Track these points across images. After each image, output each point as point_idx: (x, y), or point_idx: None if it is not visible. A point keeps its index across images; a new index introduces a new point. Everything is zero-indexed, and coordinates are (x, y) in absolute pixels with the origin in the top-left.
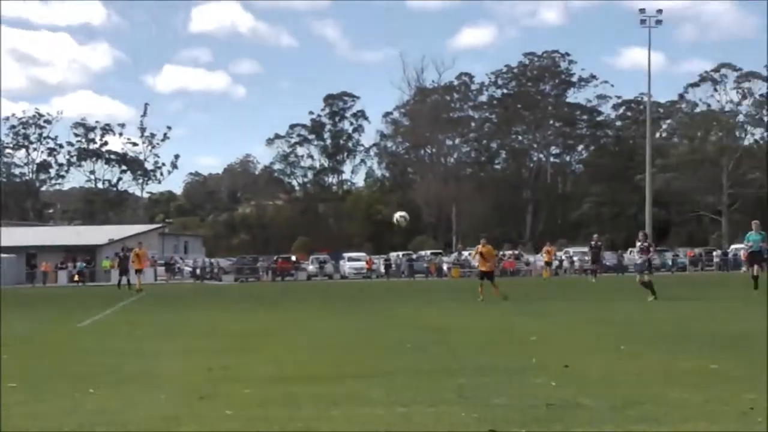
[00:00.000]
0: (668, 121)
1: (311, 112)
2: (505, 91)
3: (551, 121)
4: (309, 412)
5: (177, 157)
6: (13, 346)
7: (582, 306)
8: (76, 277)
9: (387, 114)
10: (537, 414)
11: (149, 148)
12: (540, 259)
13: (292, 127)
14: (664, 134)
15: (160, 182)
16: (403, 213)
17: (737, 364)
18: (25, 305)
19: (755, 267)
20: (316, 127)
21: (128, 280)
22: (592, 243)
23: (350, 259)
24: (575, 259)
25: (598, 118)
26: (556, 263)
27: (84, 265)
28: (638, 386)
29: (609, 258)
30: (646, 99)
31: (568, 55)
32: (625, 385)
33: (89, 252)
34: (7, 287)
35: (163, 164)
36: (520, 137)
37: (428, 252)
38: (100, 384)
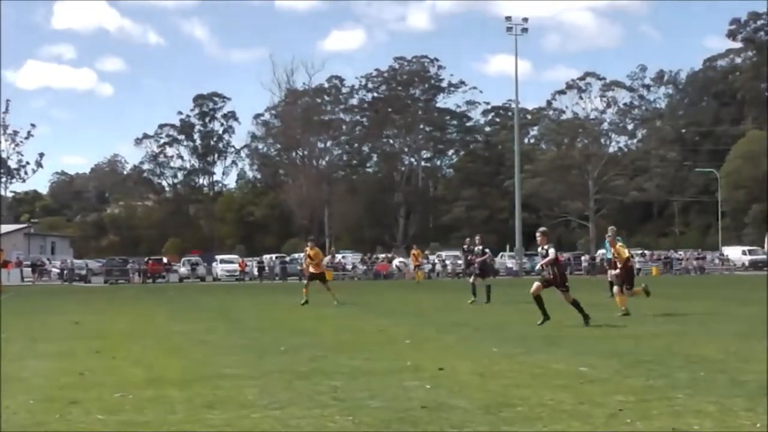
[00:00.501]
0: (536, 128)
1: (180, 112)
2: (375, 94)
3: (422, 126)
4: (184, 416)
5: (42, 155)
6: None
7: (456, 309)
8: None
9: (258, 115)
10: (412, 416)
11: (12, 146)
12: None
13: (161, 126)
14: (532, 140)
15: (24, 181)
16: None
17: (606, 366)
18: None
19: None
20: (186, 128)
21: None
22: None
23: (223, 261)
24: (448, 262)
25: (468, 124)
26: (429, 266)
27: None
28: (512, 387)
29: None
30: (513, 105)
31: (437, 60)
32: (498, 386)
33: None
34: None
35: (28, 163)
36: (391, 141)
37: (301, 254)
38: None
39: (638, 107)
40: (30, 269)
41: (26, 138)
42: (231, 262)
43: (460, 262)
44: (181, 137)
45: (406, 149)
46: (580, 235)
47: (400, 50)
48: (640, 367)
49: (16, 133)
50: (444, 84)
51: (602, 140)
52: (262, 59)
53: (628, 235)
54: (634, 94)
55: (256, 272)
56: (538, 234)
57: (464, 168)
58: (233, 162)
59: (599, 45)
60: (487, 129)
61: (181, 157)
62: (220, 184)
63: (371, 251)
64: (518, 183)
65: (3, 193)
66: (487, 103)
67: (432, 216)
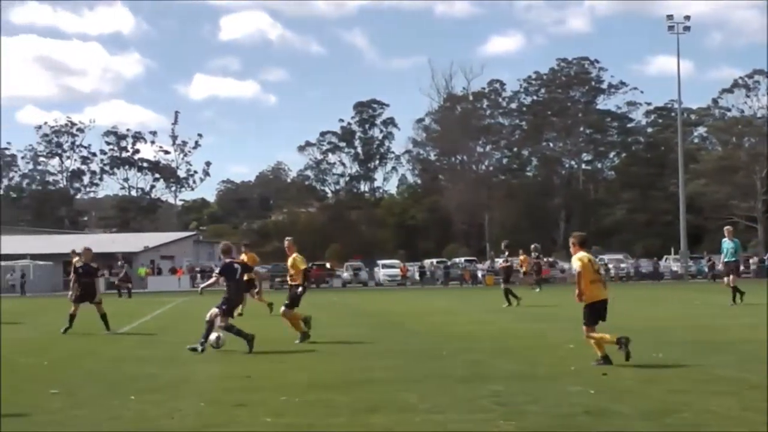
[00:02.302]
0: (700, 128)
1: (341, 120)
2: (534, 98)
3: (582, 128)
4: (346, 419)
5: (209, 164)
6: (52, 353)
7: (618, 314)
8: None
9: (419, 120)
10: (575, 421)
11: (181, 155)
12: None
13: (322, 134)
14: (696, 140)
15: (192, 190)
16: None
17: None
18: (64, 312)
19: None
20: (347, 135)
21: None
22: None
23: (384, 266)
24: (610, 266)
25: (629, 125)
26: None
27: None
28: (675, 393)
29: (645, 265)
30: (676, 105)
31: (597, 62)
32: (662, 392)
33: (125, 259)
34: (44, 294)
35: (195, 172)
36: (550, 144)
37: (462, 259)
38: (138, 391)
39: None
40: (199, 275)
41: (194, 148)
42: (392, 266)
43: (623, 265)
44: (343, 144)
45: (566, 152)
46: (748, 237)
47: (559, 53)
48: None
49: (184, 143)
50: (604, 85)
51: None
52: (420, 65)
53: None
54: None
55: (417, 277)
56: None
57: (625, 170)
58: (393, 168)
59: (763, 41)
60: (649, 130)
61: (343, 164)
62: (380, 190)
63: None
64: (682, 184)
65: (173, 201)
66: (649, 104)
67: (593, 219)
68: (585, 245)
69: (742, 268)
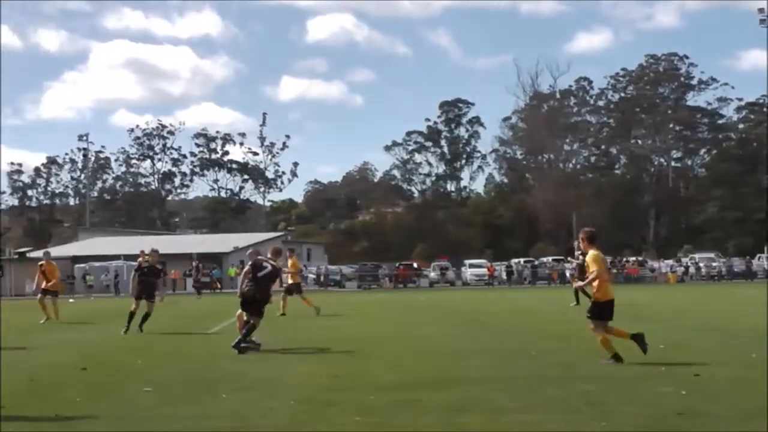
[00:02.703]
0: None
1: (427, 119)
2: (622, 95)
3: (671, 125)
4: (436, 418)
5: (296, 165)
6: (146, 352)
7: (708, 313)
8: (218, 285)
9: (506, 119)
10: (667, 423)
11: (269, 157)
12: (664, 265)
13: (408, 134)
14: None
15: (281, 190)
16: None
17: None
18: (157, 312)
19: None
20: (433, 134)
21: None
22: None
23: (472, 266)
24: (701, 265)
25: (720, 122)
26: (681, 269)
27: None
28: None
29: (737, 264)
30: None
31: (687, 57)
32: (758, 394)
33: (215, 260)
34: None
35: (283, 173)
36: (639, 142)
37: (550, 258)
38: (230, 390)
39: None
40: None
41: (282, 149)
42: (480, 266)
43: (714, 264)
44: (429, 143)
45: (655, 150)
46: None
47: (647, 49)
48: None
49: (272, 144)
50: (694, 81)
51: None
52: (505, 64)
53: None
54: None
55: (504, 276)
56: None
57: (716, 167)
58: (479, 167)
59: None
60: (740, 126)
61: (429, 163)
62: (467, 189)
63: (620, 254)
64: None
65: (261, 202)
66: (740, 99)
67: (683, 217)
68: (595, 241)
69: None
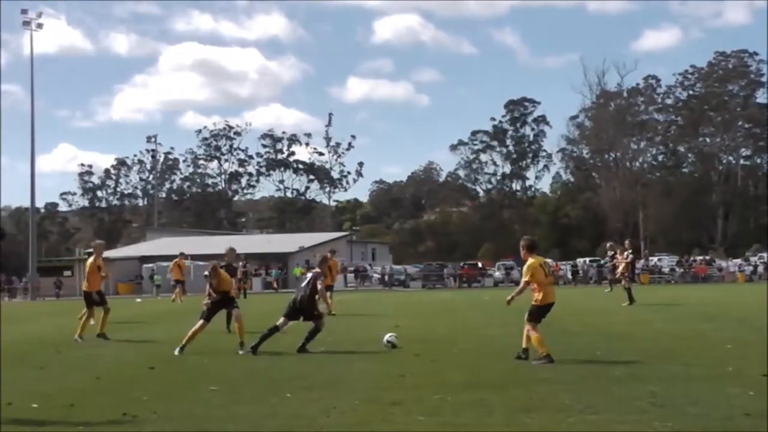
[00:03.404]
0: None
1: (493, 119)
2: (691, 92)
3: (740, 123)
4: (501, 419)
5: (361, 165)
6: (212, 351)
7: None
8: (274, 284)
9: (573, 117)
10: (735, 424)
11: (335, 157)
12: (732, 264)
13: (474, 133)
14: None
15: (346, 190)
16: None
17: None
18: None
19: None
20: (498, 133)
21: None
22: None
23: None
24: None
25: None
26: (750, 269)
27: (278, 272)
28: None
29: None
30: None
31: (756, 54)
32: None
33: (281, 259)
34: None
35: (349, 173)
36: (707, 140)
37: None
38: (294, 388)
39: None
40: (353, 275)
41: (347, 149)
42: None
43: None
44: (494, 143)
45: (723, 148)
46: None
47: (716, 46)
48: None
49: (338, 144)
50: (764, 78)
51: None
52: (572, 62)
53: None
54: None
55: (570, 276)
56: None
57: None
58: (545, 166)
59: None
60: None
61: (495, 163)
62: (533, 189)
63: (688, 253)
64: None
65: (327, 202)
66: None
67: (752, 216)
68: (534, 250)
69: None
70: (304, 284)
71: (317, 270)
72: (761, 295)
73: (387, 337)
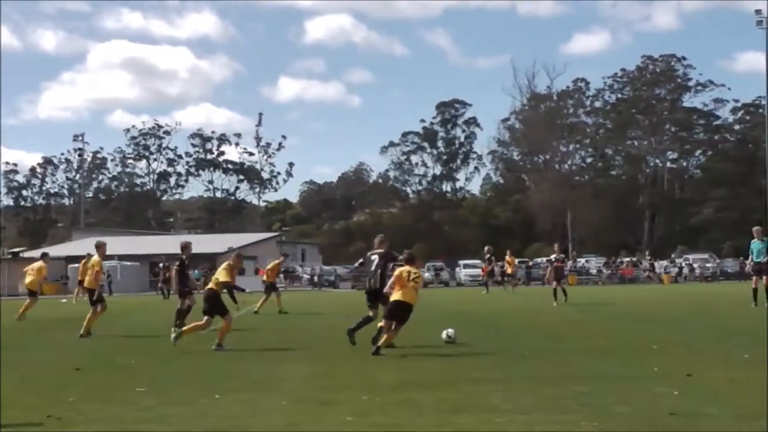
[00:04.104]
0: None
1: (423, 120)
2: (619, 95)
3: (667, 126)
4: (430, 419)
5: (292, 165)
6: (141, 352)
7: (706, 314)
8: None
9: (504, 120)
10: (661, 423)
11: (265, 157)
12: (658, 265)
13: (405, 135)
14: None
15: (276, 191)
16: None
17: None
18: (152, 312)
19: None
20: (429, 135)
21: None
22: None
23: (466, 266)
24: (695, 266)
25: (716, 123)
26: (675, 270)
27: (202, 273)
28: (765, 396)
29: (730, 265)
30: (764, 102)
31: (684, 59)
32: (751, 394)
33: (210, 260)
34: (131, 294)
35: (279, 173)
36: (635, 143)
37: (544, 259)
38: (224, 389)
39: None
40: (282, 275)
41: (278, 149)
42: (474, 266)
43: (708, 265)
44: (425, 144)
45: (651, 151)
46: None
47: (645, 50)
48: None
49: (268, 144)
50: (691, 83)
51: None
52: (503, 65)
53: None
54: None
55: (500, 277)
56: None
57: (713, 168)
58: (476, 168)
59: None
60: (737, 127)
61: (425, 165)
62: (463, 190)
63: (615, 255)
64: None
65: (257, 202)
66: (737, 101)
67: (679, 218)
68: (412, 263)
69: None
70: (372, 268)
71: (380, 251)
72: (687, 297)
73: (447, 331)
